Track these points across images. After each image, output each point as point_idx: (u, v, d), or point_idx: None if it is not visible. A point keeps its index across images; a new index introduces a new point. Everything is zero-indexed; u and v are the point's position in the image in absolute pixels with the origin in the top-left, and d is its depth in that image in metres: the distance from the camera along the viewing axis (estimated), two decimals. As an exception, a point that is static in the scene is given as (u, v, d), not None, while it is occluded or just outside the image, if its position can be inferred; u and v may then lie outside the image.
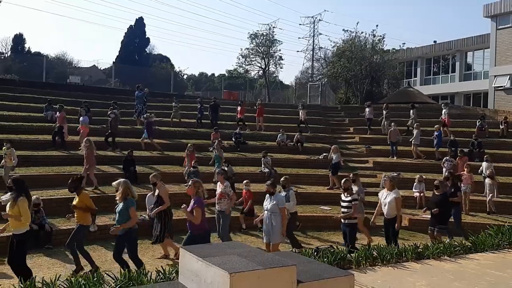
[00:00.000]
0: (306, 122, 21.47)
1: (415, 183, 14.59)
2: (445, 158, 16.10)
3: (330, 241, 11.09)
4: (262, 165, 15.70)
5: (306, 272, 4.46)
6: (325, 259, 6.83)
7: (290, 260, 4.75)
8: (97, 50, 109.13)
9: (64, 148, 15.88)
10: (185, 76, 67.31)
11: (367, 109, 21.91)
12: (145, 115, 17.97)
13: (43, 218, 10.00)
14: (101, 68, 54.55)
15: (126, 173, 14.19)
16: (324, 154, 17.79)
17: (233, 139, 18.76)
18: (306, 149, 18.67)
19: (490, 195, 14.10)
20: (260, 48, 36.57)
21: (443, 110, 21.29)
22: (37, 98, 20.82)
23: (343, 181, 9.53)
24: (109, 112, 17.30)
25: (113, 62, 55.55)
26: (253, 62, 37.44)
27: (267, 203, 8.46)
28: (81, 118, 16.60)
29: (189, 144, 15.40)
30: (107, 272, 6.08)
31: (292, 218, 9.64)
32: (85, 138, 13.65)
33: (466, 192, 13.65)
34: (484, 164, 15.35)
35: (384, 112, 21.41)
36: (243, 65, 37.85)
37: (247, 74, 42.56)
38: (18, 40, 59.09)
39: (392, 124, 19.06)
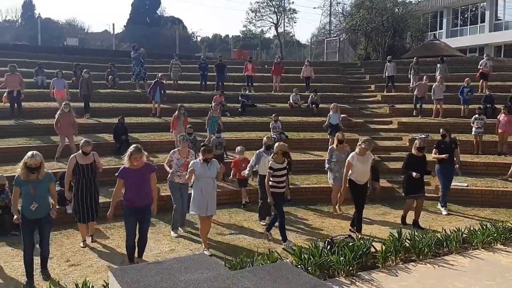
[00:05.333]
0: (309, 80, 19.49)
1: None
2: (474, 116, 14.00)
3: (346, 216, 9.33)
4: (271, 131, 13.85)
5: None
6: (342, 258, 5.12)
7: (282, 284, 3.01)
8: (109, 15, 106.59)
9: None
10: (199, 38, 65.08)
11: (388, 64, 19.57)
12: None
13: (8, 200, 8.45)
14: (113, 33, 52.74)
15: (117, 142, 12.60)
16: (343, 115, 15.84)
17: (240, 101, 16.93)
18: (321, 110, 16.71)
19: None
20: (272, 1, 33.97)
21: (485, 61, 18.84)
22: (28, 62, 19.16)
23: (281, 144, 7.82)
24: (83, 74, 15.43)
25: (124, 26, 53.81)
26: (264, 17, 34.94)
27: (205, 170, 7.05)
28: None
29: (179, 104, 13.11)
30: None
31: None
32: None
33: None
34: None
35: (413, 66, 19.08)
36: (253, 21, 35.38)
37: (262, 34, 40.21)
38: (28, 6, 57.75)
39: (424, 77, 16.90)
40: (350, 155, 8.16)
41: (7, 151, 11.23)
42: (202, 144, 8.11)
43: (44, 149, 11.75)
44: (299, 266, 4.88)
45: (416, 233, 6.10)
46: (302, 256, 5.09)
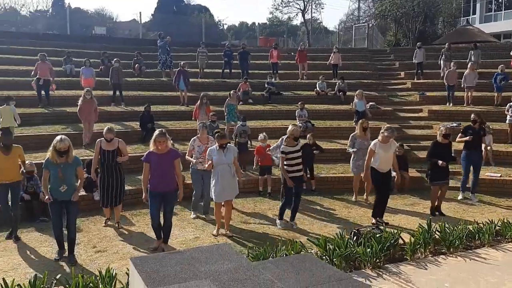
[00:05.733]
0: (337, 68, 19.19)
1: (480, 135, 12.14)
2: (508, 104, 13.46)
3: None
4: (297, 119, 13.69)
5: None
6: (369, 250, 4.97)
7: (305, 276, 2.90)
8: (137, 4, 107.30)
9: None
10: (225, 26, 64.94)
11: (417, 51, 19.02)
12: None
13: (37, 186, 8.62)
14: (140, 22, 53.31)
15: (143, 130, 12.67)
16: (371, 103, 15.54)
17: (266, 88, 16.75)
18: (349, 98, 16.40)
19: None
20: (298, -13, 33.53)
21: None
22: (58, 51, 19.42)
23: (293, 129, 7.76)
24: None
25: (151, 15, 54.17)
26: (290, 4, 34.50)
27: (221, 156, 7.18)
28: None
29: (202, 94, 13.19)
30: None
31: None
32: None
33: None
34: None
35: (445, 53, 18.47)
36: (280, 7, 35.02)
37: (289, 21, 39.76)
38: (58, -4, 58.64)
39: (452, 64, 16.39)
40: (373, 142, 8.04)
41: (37, 139, 11.42)
42: (215, 131, 8.12)
43: (72, 136, 11.80)
44: (324, 258, 4.76)
45: (446, 225, 5.88)
46: (327, 247, 4.97)
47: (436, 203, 8.70)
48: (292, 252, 4.74)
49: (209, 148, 7.52)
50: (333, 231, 7.50)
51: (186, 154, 8.63)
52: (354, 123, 13.44)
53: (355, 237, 5.41)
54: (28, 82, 14.76)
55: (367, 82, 18.83)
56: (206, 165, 7.41)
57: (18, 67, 16.80)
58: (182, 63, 16.04)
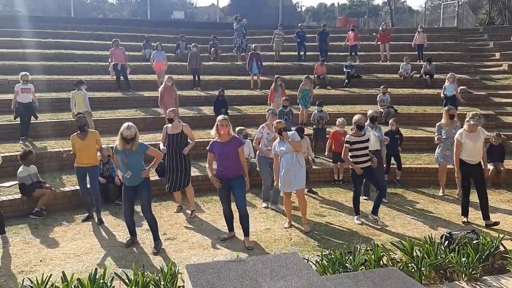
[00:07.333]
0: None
1: None
2: None
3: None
4: (378, 104, 12.81)
5: None
6: (464, 259, 4.26)
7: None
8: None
9: None
10: (303, 8, 63.87)
11: None
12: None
13: (112, 170, 8.71)
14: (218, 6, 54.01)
15: (217, 115, 12.47)
16: (462, 87, 14.18)
17: (345, 71, 15.92)
18: (436, 82, 15.12)
19: None
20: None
21: None
22: (139, 36, 19.88)
23: (358, 118, 7.28)
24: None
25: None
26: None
27: (282, 146, 6.88)
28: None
29: (276, 76, 12.82)
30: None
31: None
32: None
33: None
34: None
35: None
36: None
37: (371, 1, 37.93)
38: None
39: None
40: (458, 132, 7.18)
41: (115, 122, 11.60)
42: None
43: (148, 121, 12.10)
44: (409, 266, 4.16)
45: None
46: (414, 253, 4.34)
47: None
48: (373, 257, 4.18)
49: (273, 144, 7.24)
50: (418, 229, 6.81)
51: (254, 142, 8.36)
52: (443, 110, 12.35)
53: (446, 242, 4.72)
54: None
55: (457, 64, 17.29)
56: (274, 164, 7.12)
57: (102, 52, 17.35)
58: (253, 45, 15.68)
